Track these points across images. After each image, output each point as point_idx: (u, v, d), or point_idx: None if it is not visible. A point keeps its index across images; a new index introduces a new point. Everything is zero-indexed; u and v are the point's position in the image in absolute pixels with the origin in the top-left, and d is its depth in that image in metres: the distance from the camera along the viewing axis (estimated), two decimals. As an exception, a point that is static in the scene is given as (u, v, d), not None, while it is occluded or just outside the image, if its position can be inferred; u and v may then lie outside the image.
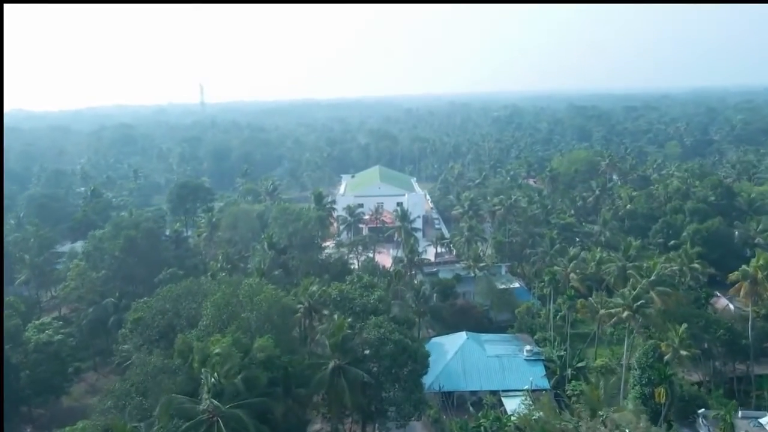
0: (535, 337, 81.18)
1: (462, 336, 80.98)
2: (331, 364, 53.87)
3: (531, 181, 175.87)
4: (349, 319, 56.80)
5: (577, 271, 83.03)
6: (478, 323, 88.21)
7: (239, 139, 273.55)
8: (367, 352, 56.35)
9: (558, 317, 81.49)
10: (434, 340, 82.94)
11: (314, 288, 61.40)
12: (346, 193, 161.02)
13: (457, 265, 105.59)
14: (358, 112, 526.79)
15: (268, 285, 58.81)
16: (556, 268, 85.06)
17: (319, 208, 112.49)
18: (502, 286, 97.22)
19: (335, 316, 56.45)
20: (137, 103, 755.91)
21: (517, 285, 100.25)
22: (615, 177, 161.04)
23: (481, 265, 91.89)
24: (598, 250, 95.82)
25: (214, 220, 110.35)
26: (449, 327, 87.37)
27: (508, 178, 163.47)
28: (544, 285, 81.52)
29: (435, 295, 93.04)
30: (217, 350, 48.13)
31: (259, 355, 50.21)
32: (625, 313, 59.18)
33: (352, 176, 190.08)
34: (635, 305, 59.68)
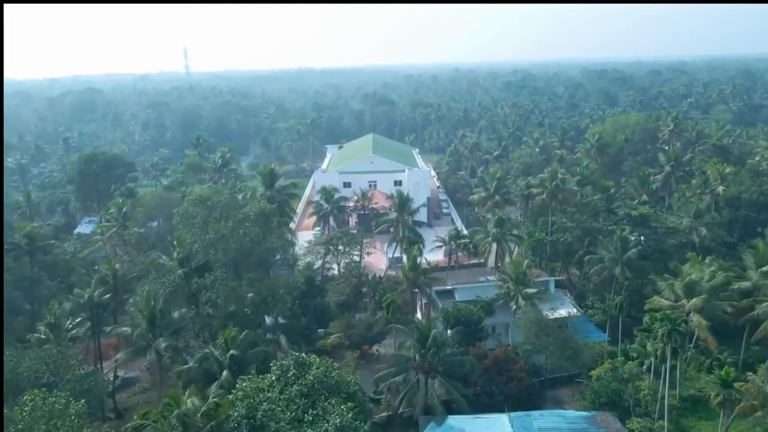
0: (629, 424, 47.00)
1: (503, 422, 46.92)
2: None
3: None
4: None
5: (707, 306, 48.25)
6: (524, 388, 53.77)
7: (212, 105, 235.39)
8: None
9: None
10: (452, 422, 48.60)
11: (191, 403, 26.39)
12: (329, 168, 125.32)
13: (482, 279, 71.06)
14: (356, 78, 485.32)
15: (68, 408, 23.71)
16: (662, 301, 50.18)
17: (269, 196, 74.92)
18: (554, 315, 62.60)
19: None
20: (127, 72, 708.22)
21: (576, 312, 65.47)
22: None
23: (530, 291, 56.52)
24: (707, 261, 61.26)
25: (125, 209, 75.30)
26: (474, 386, 53.46)
27: (537, 149, 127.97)
28: (656, 340, 45.94)
29: (450, 331, 58.73)
30: None
31: None
32: None
33: (340, 147, 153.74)
34: None
